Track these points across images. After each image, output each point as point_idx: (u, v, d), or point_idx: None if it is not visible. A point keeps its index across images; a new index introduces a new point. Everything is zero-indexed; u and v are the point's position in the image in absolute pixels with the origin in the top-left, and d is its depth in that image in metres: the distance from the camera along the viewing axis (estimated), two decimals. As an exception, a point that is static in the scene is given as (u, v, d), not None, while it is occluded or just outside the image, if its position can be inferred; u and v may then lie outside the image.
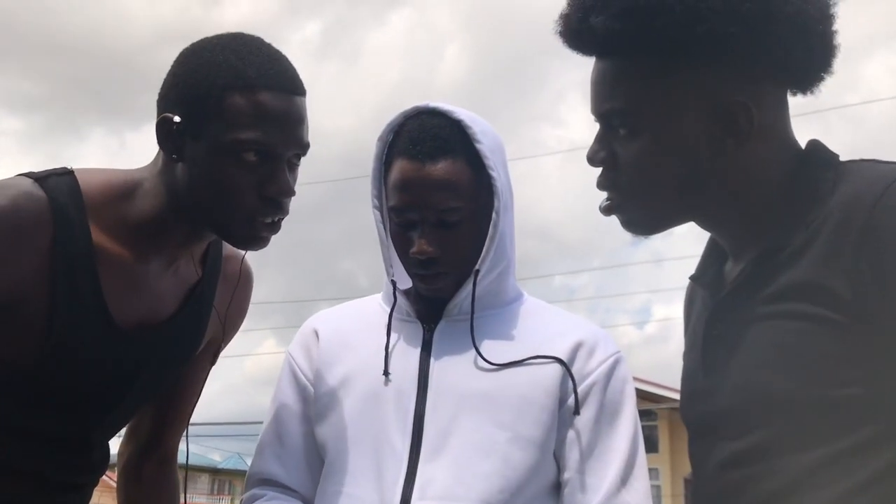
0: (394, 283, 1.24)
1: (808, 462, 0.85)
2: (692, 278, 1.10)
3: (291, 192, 1.15)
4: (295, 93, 1.14)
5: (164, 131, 1.13)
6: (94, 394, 1.18)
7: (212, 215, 1.14)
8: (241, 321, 1.42)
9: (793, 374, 0.86)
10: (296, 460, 1.23)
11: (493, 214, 1.18)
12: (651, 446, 23.71)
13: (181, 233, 1.18)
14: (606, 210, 1.01)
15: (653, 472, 23.01)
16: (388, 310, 1.25)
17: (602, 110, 0.99)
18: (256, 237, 1.16)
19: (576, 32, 0.99)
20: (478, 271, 1.19)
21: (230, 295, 1.32)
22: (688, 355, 1.09)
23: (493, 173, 1.17)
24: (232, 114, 1.09)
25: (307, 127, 1.16)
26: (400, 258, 1.22)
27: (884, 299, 0.81)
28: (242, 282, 1.34)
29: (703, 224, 1.03)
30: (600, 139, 1.00)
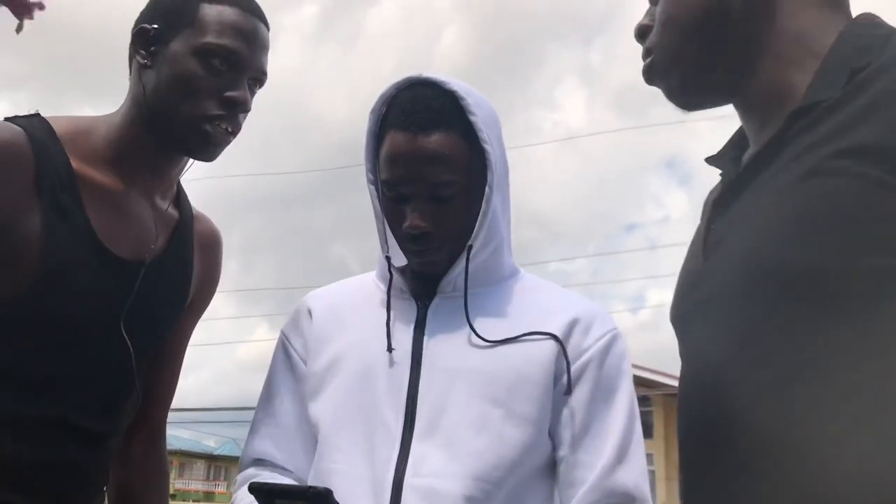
0: (388, 258, 1.22)
1: (811, 351, 0.74)
2: (708, 159, 1.01)
3: (247, 102, 1.23)
4: (262, 21, 1.26)
5: (140, 40, 1.24)
6: (92, 327, 1.19)
7: (171, 114, 1.21)
8: (217, 281, 1.45)
9: (821, 238, 0.74)
10: (289, 439, 1.22)
11: (486, 189, 1.16)
12: (646, 432, 23.64)
13: (149, 152, 1.25)
14: (646, 73, 0.98)
15: (648, 458, 23.01)
16: (384, 287, 1.23)
17: None
18: (211, 142, 1.23)
19: None
20: (471, 247, 1.17)
21: (203, 255, 1.37)
22: (688, 251, 1.01)
23: (488, 147, 1.15)
24: (205, 22, 1.21)
25: (268, 58, 1.27)
26: (393, 233, 1.20)
27: None
28: (214, 241, 1.42)
29: (734, 97, 0.95)
30: (646, 13, 0.99)
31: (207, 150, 1.24)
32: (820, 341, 0.74)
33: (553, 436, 1.15)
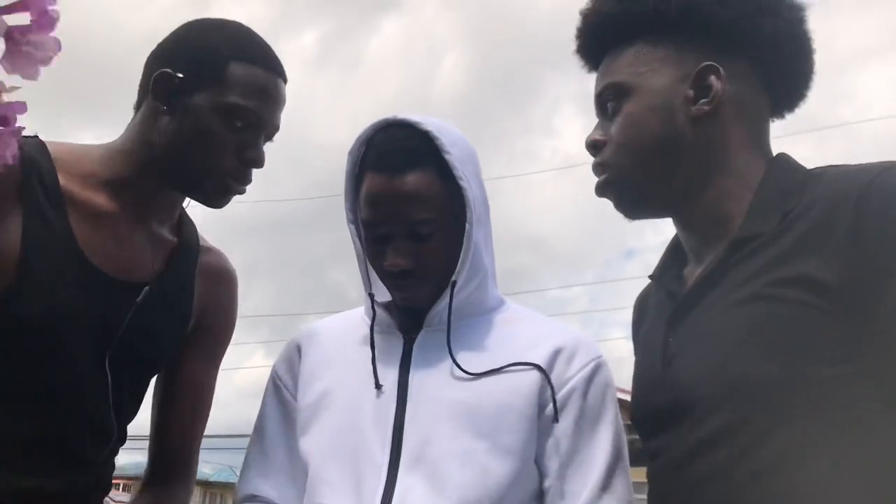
0: (371, 296, 1.24)
1: (792, 439, 0.86)
2: (652, 277, 1.15)
3: (263, 163, 1.26)
4: (283, 79, 1.28)
5: (162, 84, 1.22)
6: (73, 341, 1.16)
7: (189, 166, 1.22)
8: (233, 318, 1.41)
9: (774, 353, 0.88)
10: (282, 476, 1.23)
11: (467, 225, 1.18)
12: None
13: (150, 188, 1.25)
14: (599, 188, 1.08)
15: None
16: (370, 322, 1.25)
17: (596, 94, 1.09)
18: (223, 195, 1.25)
19: (585, 30, 1.11)
20: (454, 282, 1.19)
21: (212, 288, 1.37)
22: (641, 355, 1.13)
23: (464, 184, 1.16)
24: (232, 81, 1.21)
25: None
26: (375, 271, 1.23)
27: (876, 284, 0.83)
28: (225, 276, 1.41)
29: (676, 216, 1.08)
30: (597, 126, 1.09)
31: (219, 201, 1.27)
32: (784, 438, 0.86)
33: (539, 466, 1.16)
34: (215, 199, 1.26)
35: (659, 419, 1.01)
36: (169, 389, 1.37)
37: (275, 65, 1.26)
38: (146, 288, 1.23)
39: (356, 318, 1.31)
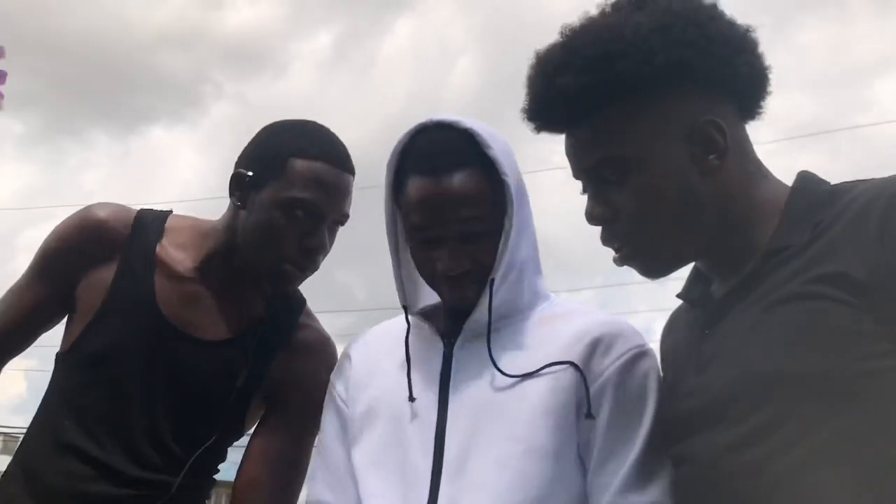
0: (405, 308, 1.24)
1: (831, 436, 0.85)
2: (680, 296, 1.13)
3: (325, 249, 1.37)
4: (344, 170, 1.37)
5: (236, 183, 1.37)
6: (134, 379, 1.35)
7: (258, 257, 1.36)
8: (314, 393, 1.37)
9: (813, 349, 0.87)
10: (344, 485, 1.23)
11: (506, 222, 1.16)
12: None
13: (234, 266, 1.39)
14: (620, 262, 1.06)
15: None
16: (404, 335, 1.24)
17: (586, 166, 1.05)
18: (287, 282, 1.38)
19: (544, 103, 1.05)
20: (493, 281, 1.17)
21: (296, 363, 1.44)
22: (669, 368, 1.13)
23: (507, 178, 1.15)
24: (291, 176, 1.32)
25: (350, 200, 1.39)
26: (423, 275, 1.21)
27: None
28: (312, 351, 1.47)
29: (703, 254, 1.06)
30: (594, 195, 1.05)
31: (282, 287, 1.40)
32: (824, 432, 0.86)
33: (584, 461, 1.14)
34: (279, 286, 1.40)
35: (687, 424, 1.00)
36: (261, 453, 1.43)
37: (335, 158, 1.36)
38: (213, 343, 1.38)
39: (399, 326, 1.28)
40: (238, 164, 1.40)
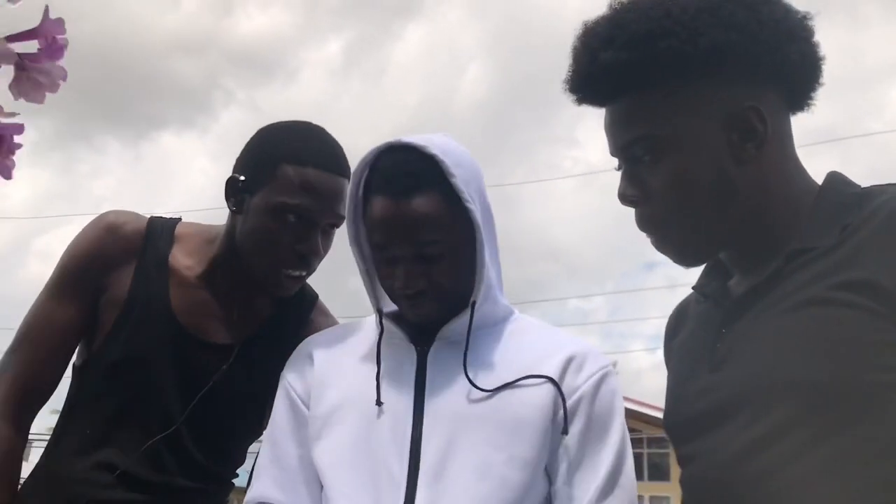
0: (380, 311, 1.25)
1: (848, 441, 0.84)
2: (695, 287, 1.12)
3: (319, 253, 1.37)
4: (338, 174, 1.35)
5: (230, 188, 1.37)
6: (153, 384, 1.37)
7: (250, 260, 1.36)
8: None
9: (833, 354, 0.85)
10: (294, 483, 1.23)
11: (478, 246, 1.19)
12: (662, 474, 23.34)
13: (237, 268, 1.40)
14: (656, 246, 1.04)
15: (664, 501, 22.62)
16: (377, 338, 1.26)
17: (622, 143, 1.02)
18: (279, 284, 1.37)
19: (587, 76, 1.02)
20: (474, 303, 1.20)
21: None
22: (679, 363, 1.11)
23: (471, 206, 1.17)
24: (282, 181, 1.32)
25: (345, 202, 1.33)
26: (386, 291, 1.24)
27: None
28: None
29: (728, 245, 1.04)
30: (627, 175, 1.03)
31: (279, 291, 1.40)
32: (837, 442, 0.84)
33: (549, 471, 1.17)
34: (276, 290, 1.40)
35: (699, 424, 0.99)
36: None
37: (326, 162, 1.34)
38: (236, 349, 1.40)
39: (368, 328, 1.31)
40: (234, 169, 1.40)
